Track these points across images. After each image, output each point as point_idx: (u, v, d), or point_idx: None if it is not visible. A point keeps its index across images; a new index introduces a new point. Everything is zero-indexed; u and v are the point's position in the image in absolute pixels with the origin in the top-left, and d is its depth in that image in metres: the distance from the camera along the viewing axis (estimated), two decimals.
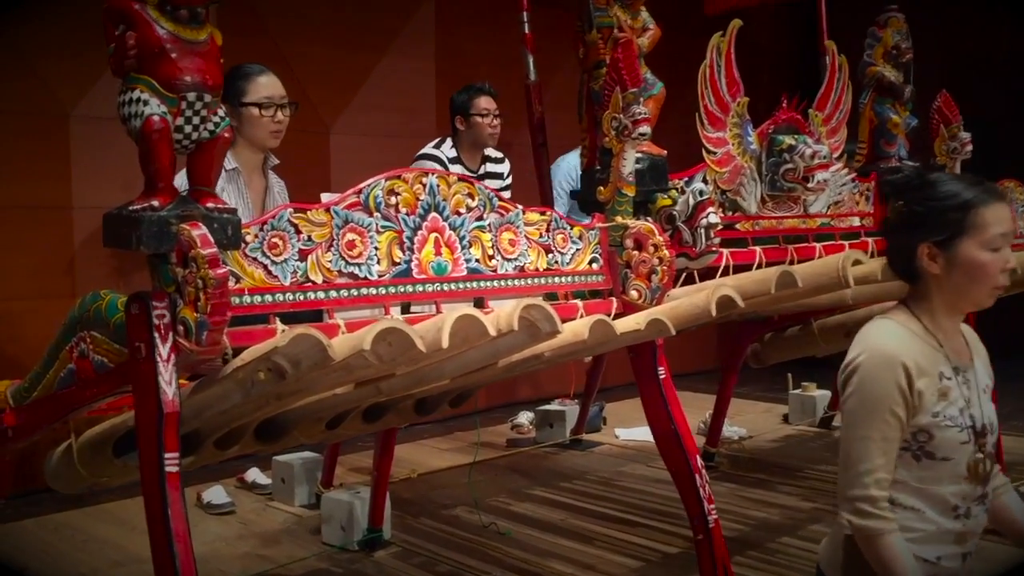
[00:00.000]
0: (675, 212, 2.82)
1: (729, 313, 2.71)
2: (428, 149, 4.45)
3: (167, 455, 1.87)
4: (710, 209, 2.79)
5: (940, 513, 1.82)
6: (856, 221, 3.77)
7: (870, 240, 3.73)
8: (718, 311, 2.48)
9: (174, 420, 1.88)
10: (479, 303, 2.51)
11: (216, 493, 4.10)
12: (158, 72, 1.87)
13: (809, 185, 3.29)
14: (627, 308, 2.73)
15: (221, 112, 1.95)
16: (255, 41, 4.66)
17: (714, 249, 2.83)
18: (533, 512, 4.10)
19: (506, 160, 4.64)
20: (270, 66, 3.22)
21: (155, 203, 1.84)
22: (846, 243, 3.62)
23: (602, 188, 2.79)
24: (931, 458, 1.80)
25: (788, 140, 3.32)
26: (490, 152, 4.58)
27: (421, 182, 2.40)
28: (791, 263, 3.34)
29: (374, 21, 5.50)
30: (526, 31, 3.03)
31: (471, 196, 2.49)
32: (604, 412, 5.50)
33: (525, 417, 5.43)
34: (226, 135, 1.95)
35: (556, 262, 2.66)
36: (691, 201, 2.80)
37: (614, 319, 2.62)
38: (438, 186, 2.42)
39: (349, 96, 5.46)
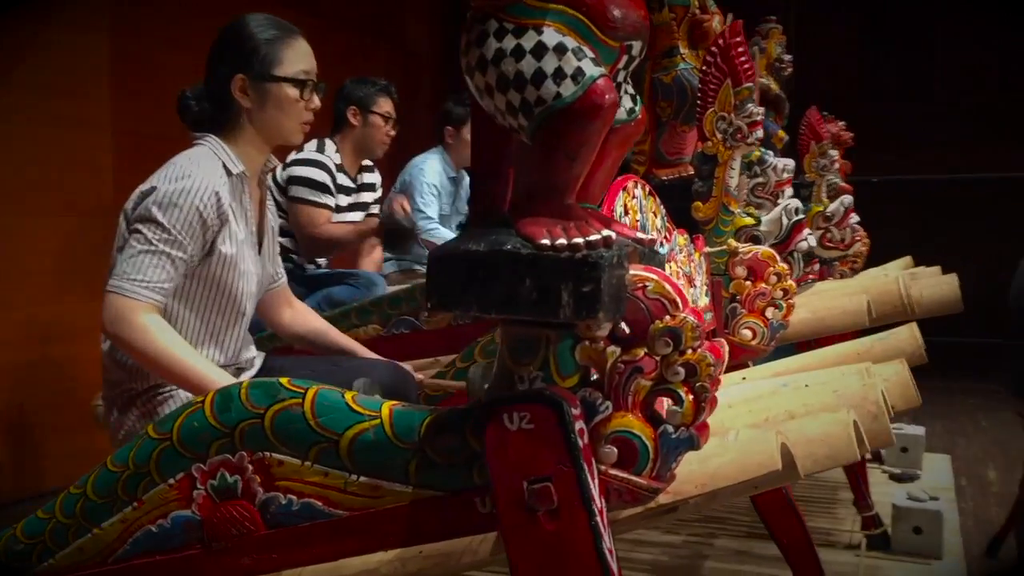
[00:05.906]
0: (759, 233, 2.37)
1: None
2: (310, 154, 3.49)
3: None
4: (807, 231, 2.38)
5: None
6: None
7: None
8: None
9: None
10: None
11: None
12: (594, 4, 1.03)
13: (779, 201, 2.99)
14: (736, 352, 2.22)
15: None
16: None
17: (811, 278, 2.42)
18: None
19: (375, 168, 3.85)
20: None
21: (609, 234, 1.01)
22: None
23: (699, 204, 2.26)
24: None
25: (756, 151, 3.00)
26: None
27: (633, 194, 1.70)
28: None
29: None
30: None
31: (655, 214, 1.84)
32: None
33: None
34: (640, 117, 1.15)
35: (696, 296, 2.08)
36: (784, 221, 2.36)
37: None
38: (643, 199, 1.75)
39: (4, 74, 4.14)
